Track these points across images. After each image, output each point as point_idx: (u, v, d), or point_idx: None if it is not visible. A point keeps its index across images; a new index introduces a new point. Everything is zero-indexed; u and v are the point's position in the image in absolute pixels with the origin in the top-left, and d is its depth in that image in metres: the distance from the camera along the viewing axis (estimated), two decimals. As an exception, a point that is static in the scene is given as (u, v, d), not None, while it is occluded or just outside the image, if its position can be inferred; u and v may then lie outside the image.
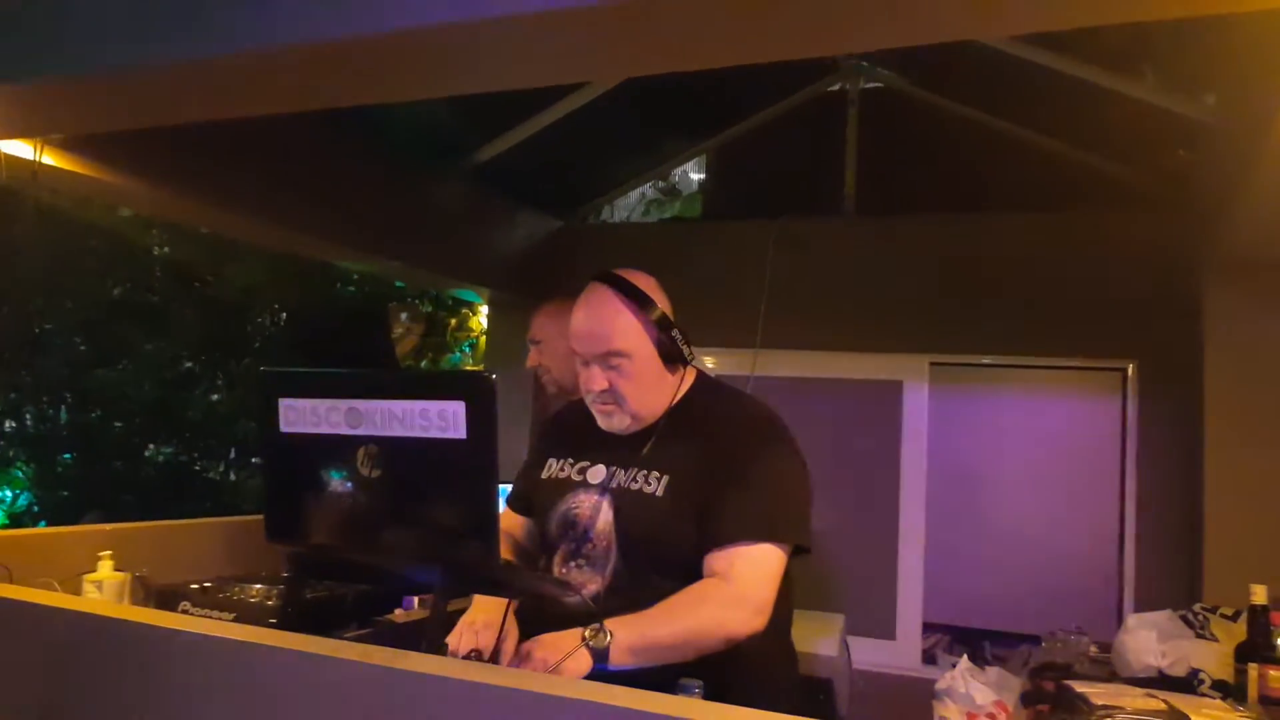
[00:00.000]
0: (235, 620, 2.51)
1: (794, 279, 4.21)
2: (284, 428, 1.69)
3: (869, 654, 3.80)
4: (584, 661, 1.63)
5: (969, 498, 4.17)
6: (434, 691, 1.20)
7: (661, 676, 1.42)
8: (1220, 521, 2.90)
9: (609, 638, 1.64)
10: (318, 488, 1.67)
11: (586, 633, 1.65)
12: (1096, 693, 2.02)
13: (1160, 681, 2.45)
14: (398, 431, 1.59)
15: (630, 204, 5.47)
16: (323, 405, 1.65)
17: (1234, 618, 2.63)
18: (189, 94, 1.99)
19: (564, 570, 1.95)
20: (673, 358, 1.93)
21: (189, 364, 8.08)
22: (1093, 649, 2.95)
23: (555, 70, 1.89)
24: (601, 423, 1.97)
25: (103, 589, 2.47)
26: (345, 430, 1.63)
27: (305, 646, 1.40)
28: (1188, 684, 2.42)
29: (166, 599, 2.58)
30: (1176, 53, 2.84)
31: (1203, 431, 2.96)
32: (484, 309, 5.12)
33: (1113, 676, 2.69)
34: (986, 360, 4.11)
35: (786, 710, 2.06)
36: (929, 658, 4.14)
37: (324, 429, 1.65)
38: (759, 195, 4.67)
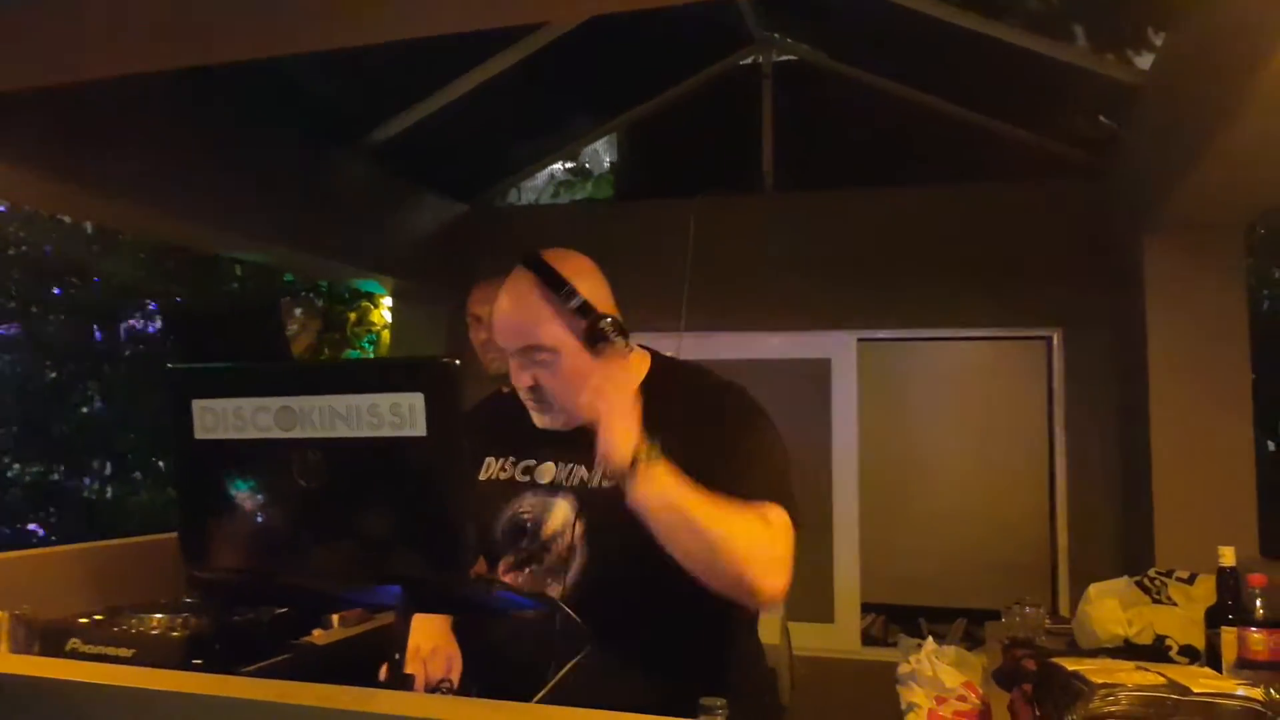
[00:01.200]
0: (135, 657, 2.24)
1: (716, 259, 4.08)
2: (200, 434, 1.44)
3: (808, 639, 3.70)
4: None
5: (899, 474, 4.14)
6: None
7: (677, 694, 1.24)
8: (1169, 485, 2.89)
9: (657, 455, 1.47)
10: (245, 503, 1.43)
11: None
12: (1087, 669, 1.93)
13: (1127, 650, 2.40)
14: (342, 432, 1.36)
15: (539, 186, 5.26)
16: (248, 406, 1.41)
17: (1190, 581, 2.61)
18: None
19: (512, 580, 1.75)
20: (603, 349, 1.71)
21: (54, 374, 7.44)
22: (1046, 620, 2.90)
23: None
24: (536, 420, 1.77)
25: (-24, 632, 2.15)
26: (277, 434, 1.39)
27: (247, 692, 1.17)
28: (1156, 651, 2.38)
29: (52, 638, 2.26)
30: (1111, 11, 2.80)
31: (1147, 396, 2.94)
32: (387, 301, 4.84)
33: (1072, 647, 2.64)
34: (914, 334, 4.07)
35: (762, 709, 1.94)
36: (867, 638, 4.09)
37: (250, 433, 1.41)
38: (674, 174, 4.53)
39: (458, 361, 1.35)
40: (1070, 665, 1.97)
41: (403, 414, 1.32)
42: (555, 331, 1.66)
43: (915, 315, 3.97)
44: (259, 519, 1.43)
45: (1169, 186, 2.64)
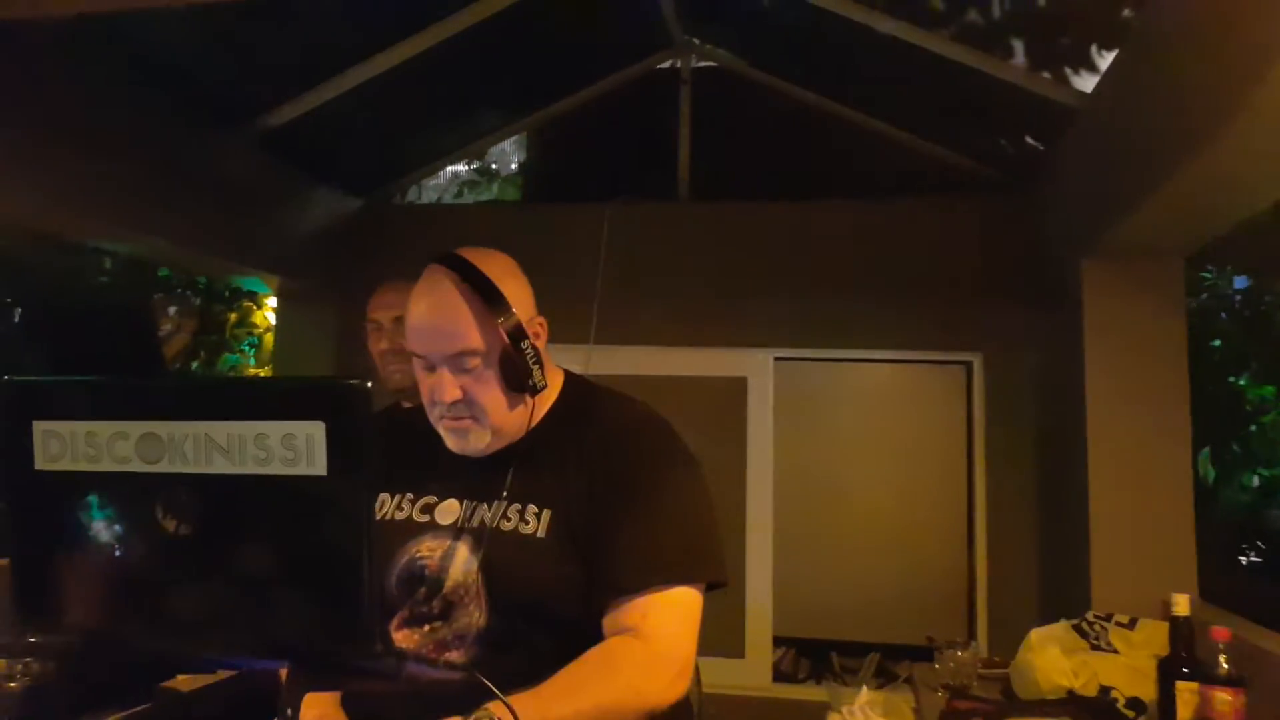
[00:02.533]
0: (-42, 712, 1.90)
1: (628, 269, 3.89)
2: (41, 464, 1.16)
3: (718, 675, 3.51)
4: None
5: (813, 502, 3.97)
6: None
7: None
8: (1107, 522, 2.79)
9: None
10: (95, 551, 1.15)
11: None
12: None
13: (1073, 703, 2.27)
14: (221, 468, 1.11)
15: (441, 184, 4.96)
16: (103, 431, 1.14)
17: (1131, 625, 2.52)
18: None
19: (405, 634, 1.51)
20: (537, 357, 1.53)
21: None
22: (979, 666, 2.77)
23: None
24: (453, 443, 1.55)
25: None
26: (139, 467, 1.13)
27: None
28: (1103, 704, 2.26)
29: None
30: (1055, 27, 2.71)
31: (1084, 425, 2.85)
32: (271, 301, 4.46)
33: (1008, 695, 2.52)
34: (832, 355, 3.94)
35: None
36: (777, 674, 3.92)
37: (105, 465, 1.14)
38: (585, 178, 4.33)
39: (370, 384, 1.10)
40: (1033, 727, 1.83)
41: (298, 448, 1.08)
42: (486, 333, 1.48)
43: (834, 335, 3.84)
44: (113, 572, 1.17)
45: (1113, 212, 2.56)
